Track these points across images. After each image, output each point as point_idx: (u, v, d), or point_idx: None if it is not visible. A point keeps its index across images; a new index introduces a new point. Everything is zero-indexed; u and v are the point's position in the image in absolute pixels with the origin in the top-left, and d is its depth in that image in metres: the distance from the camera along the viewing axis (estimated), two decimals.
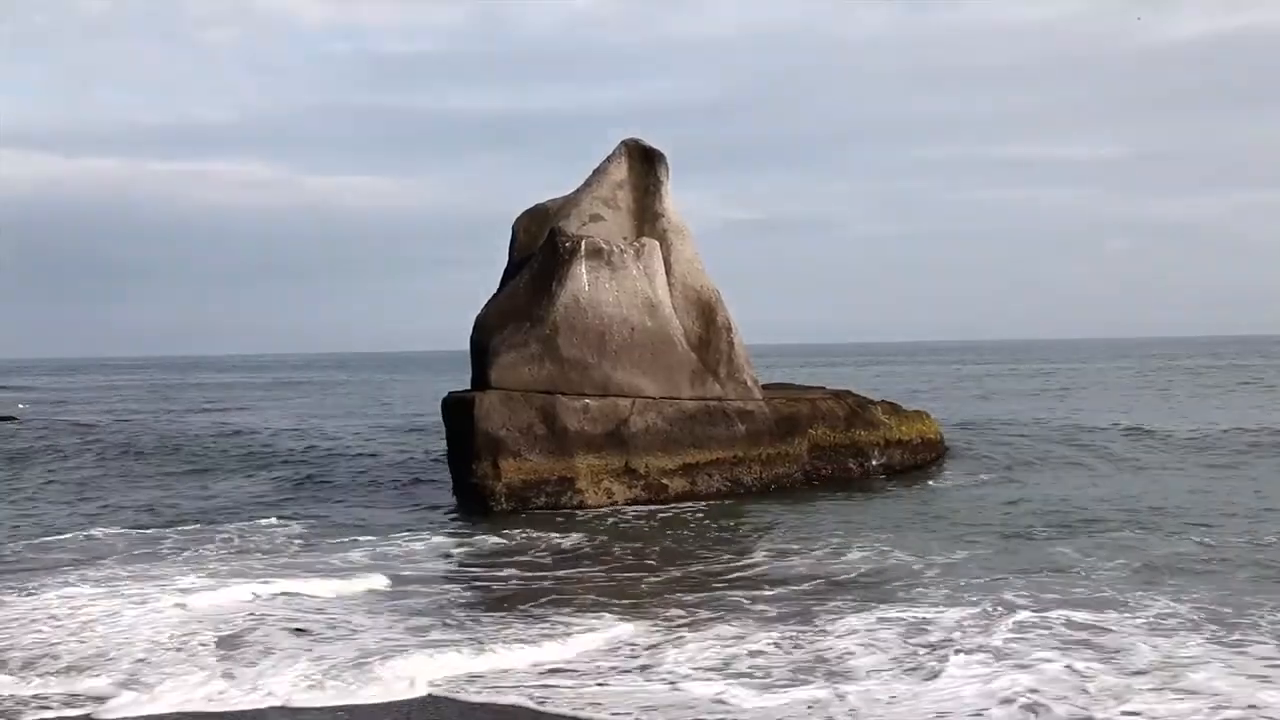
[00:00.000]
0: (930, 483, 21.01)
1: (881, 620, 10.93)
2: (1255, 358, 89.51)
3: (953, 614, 11.11)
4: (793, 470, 20.27)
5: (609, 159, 20.76)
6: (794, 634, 10.59)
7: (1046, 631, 10.42)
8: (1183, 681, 8.90)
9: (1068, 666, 9.30)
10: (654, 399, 19.23)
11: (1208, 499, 18.53)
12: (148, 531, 17.38)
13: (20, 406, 54.50)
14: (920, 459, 22.63)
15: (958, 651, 9.78)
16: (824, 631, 10.63)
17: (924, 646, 10.04)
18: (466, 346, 19.95)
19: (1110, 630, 10.43)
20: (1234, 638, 10.13)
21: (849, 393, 23.24)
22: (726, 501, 18.78)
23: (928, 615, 11.10)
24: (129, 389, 79.46)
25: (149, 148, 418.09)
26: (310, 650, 10.36)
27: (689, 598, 12.21)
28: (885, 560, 14.06)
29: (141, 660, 10.06)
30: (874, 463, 21.58)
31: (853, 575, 13.30)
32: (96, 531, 17.37)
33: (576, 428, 18.61)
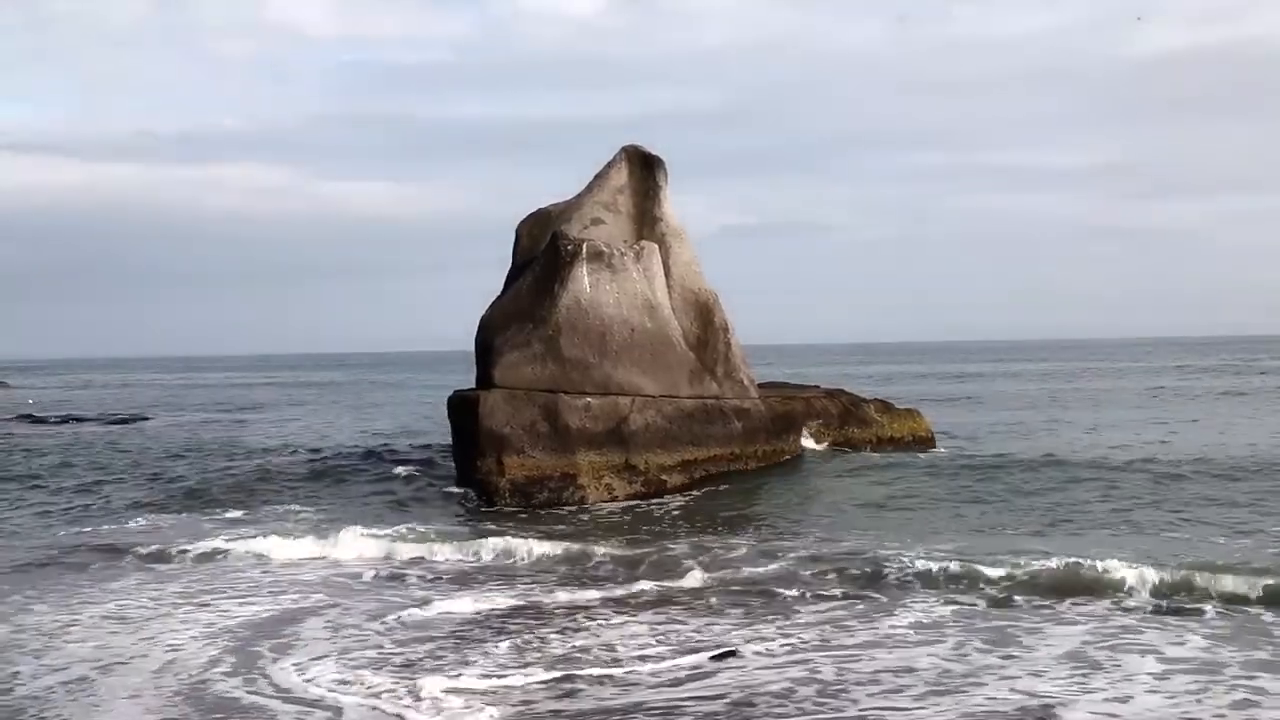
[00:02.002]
0: (913, 479, 21.45)
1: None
2: (1223, 355, 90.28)
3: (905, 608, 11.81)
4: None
5: (610, 164, 21.26)
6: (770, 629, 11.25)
7: (969, 624, 11.13)
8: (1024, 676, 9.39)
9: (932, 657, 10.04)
10: (653, 398, 19.74)
11: (1192, 503, 18.61)
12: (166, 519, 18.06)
13: (30, 401, 55.22)
14: (911, 455, 23.14)
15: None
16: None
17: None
18: (471, 347, 20.47)
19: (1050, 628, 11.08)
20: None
21: (842, 391, 23.87)
22: (724, 500, 19.23)
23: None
24: (141, 387, 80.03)
25: (166, 154, 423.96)
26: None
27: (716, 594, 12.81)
28: (875, 549, 14.71)
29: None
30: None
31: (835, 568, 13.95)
32: (135, 520, 18.25)
33: (578, 425, 19.12)
